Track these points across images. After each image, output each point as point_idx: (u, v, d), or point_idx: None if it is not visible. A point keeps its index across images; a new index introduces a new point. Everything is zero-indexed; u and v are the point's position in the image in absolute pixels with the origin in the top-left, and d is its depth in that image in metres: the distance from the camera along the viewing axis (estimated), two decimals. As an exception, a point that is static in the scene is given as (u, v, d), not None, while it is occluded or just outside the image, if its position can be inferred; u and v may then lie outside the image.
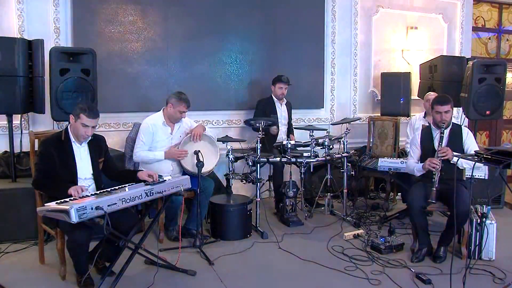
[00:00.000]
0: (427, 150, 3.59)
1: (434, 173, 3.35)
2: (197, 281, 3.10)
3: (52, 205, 2.48)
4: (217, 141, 4.12)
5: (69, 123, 3.03)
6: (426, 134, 3.68)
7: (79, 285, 2.90)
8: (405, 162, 4.24)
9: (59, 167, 2.94)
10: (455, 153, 3.32)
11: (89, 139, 3.07)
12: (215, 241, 3.84)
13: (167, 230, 3.88)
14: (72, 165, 2.99)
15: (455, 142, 3.52)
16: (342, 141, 4.48)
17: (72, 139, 3.02)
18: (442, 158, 3.34)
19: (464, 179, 3.67)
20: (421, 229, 3.48)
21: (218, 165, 4.09)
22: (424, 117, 4.65)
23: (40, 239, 3.32)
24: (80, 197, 2.65)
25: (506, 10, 6.84)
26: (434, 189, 3.33)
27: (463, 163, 3.37)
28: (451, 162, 3.34)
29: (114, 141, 4.51)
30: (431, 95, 4.66)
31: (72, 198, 2.63)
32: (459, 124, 3.97)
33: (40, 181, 2.98)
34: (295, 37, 5.33)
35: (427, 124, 4.43)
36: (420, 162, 3.59)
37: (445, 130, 3.50)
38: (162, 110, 3.91)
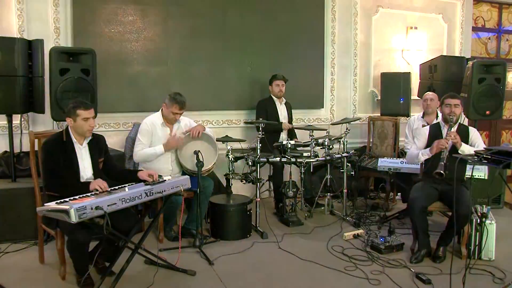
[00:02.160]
0: None
1: (442, 151, 3.35)
2: (197, 281, 3.09)
3: (52, 205, 2.48)
4: (217, 141, 4.12)
5: (67, 125, 3.03)
6: (435, 131, 3.66)
7: (79, 285, 2.90)
8: (405, 162, 4.26)
9: (63, 168, 2.94)
10: (453, 155, 3.30)
11: (90, 137, 3.07)
12: (215, 241, 3.84)
13: (165, 230, 3.88)
14: (75, 165, 2.99)
15: (462, 139, 3.47)
16: (342, 141, 4.48)
17: (74, 139, 3.01)
18: (451, 140, 3.34)
19: (465, 179, 3.66)
20: (421, 230, 3.46)
21: (218, 165, 4.09)
22: (422, 117, 4.64)
23: (40, 239, 3.32)
24: (101, 192, 2.73)
25: (506, 10, 6.83)
26: (443, 163, 3.31)
27: (470, 149, 3.33)
28: (459, 151, 3.33)
29: (114, 141, 4.52)
30: (429, 94, 4.66)
31: (73, 198, 2.62)
32: (466, 125, 3.96)
33: (52, 182, 2.95)
34: (295, 37, 5.33)
35: (426, 124, 4.45)
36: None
37: (452, 126, 3.47)
38: (160, 110, 3.91)
